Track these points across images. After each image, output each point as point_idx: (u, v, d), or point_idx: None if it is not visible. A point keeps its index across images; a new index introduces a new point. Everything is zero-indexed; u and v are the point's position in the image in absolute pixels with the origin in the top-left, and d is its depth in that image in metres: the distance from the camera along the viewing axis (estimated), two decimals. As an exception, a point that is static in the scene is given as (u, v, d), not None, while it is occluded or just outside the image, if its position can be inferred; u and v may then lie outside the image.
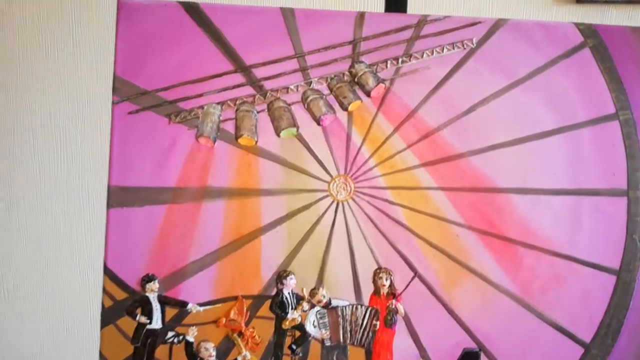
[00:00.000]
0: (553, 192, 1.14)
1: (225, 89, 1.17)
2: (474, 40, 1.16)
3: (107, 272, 1.19)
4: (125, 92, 1.18)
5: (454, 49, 1.16)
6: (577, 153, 1.15)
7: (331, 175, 1.17)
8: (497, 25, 1.16)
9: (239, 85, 1.18)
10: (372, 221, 1.16)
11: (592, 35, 1.15)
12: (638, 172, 1.14)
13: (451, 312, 1.16)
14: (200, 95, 1.18)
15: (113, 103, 1.19)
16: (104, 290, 1.19)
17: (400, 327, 1.17)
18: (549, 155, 1.15)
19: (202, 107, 1.18)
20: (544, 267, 1.14)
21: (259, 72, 1.16)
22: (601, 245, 1.14)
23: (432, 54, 1.16)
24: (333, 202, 1.17)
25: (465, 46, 1.16)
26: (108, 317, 1.20)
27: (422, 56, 1.16)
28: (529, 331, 1.14)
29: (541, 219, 1.14)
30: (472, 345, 1.15)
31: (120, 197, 1.18)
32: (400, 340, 1.17)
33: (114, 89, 1.18)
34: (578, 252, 1.13)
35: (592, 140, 1.15)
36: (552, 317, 1.14)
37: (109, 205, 1.18)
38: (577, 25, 1.16)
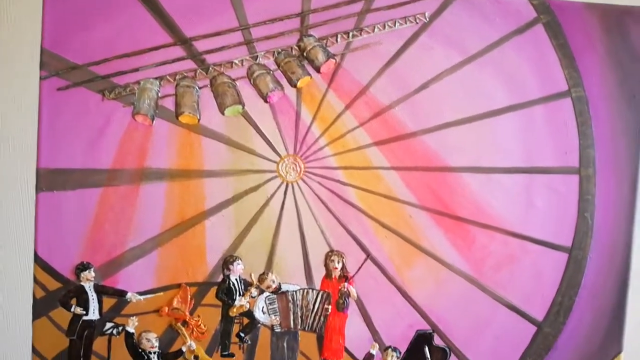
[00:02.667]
0: (505, 170, 1.11)
1: (163, 63, 1.09)
2: (427, 15, 1.10)
3: (38, 260, 1.10)
4: (53, 66, 1.08)
5: (406, 23, 1.10)
6: (530, 131, 1.12)
7: (280, 155, 1.10)
8: (450, -2, 1.10)
9: (178, 59, 1.09)
10: (323, 202, 1.10)
11: (545, 11, 1.12)
12: (589, 150, 1.12)
13: (404, 294, 1.12)
14: (137, 70, 1.09)
15: (41, 78, 1.09)
16: (35, 280, 1.11)
17: (352, 310, 1.13)
18: (502, 133, 1.12)
19: (138, 82, 1.09)
20: (496, 246, 1.11)
21: (201, 45, 1.08)
22: (553, 224, 1.12)
23: (384, 28, 1.09)
24: (282, 183, 1.10)
25: (417, 20, 1.10)
26: (40, 308, 1.11)
27: (373, 30, 1.09)
28: (483, 311, 1.12)
29: (494, 198, 1.11)
30: (425, 327, 1.13)
31: (50, 180, 1.09)
32: (353, 324, 1.13)
33: (42, 64, 1.09)
34: (530, 231, 1.11)
35: (545, 117, 1.13)
36: (505, 296, 1.11)
37: (38, 189, 1.09)
38: (530, 0, 1.11)
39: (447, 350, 1.14)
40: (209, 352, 1.13)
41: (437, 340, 1.14)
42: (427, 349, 1.14)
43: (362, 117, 1.11)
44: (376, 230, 1.13)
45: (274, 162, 1.11)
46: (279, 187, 1.12)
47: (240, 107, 1.10)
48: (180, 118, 1.10)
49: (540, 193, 1.13)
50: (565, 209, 1.13)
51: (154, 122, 1.10)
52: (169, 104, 1.10)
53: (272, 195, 1.12)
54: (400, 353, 1.14)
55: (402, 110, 1.11)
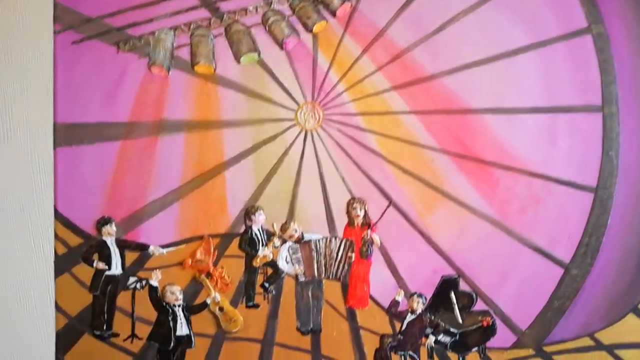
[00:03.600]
0: (527, 110, 1.09)
1: (177, 13, 1.08)
2: (442, -46, 1.07)
3: (58, 216, 1.09)
4: (67, 20, 1.07)
5: (421, -37, 1.07)
6: (551, 69, 1.10)
7: (298, 103, 1.09)
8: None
9: (192, 8, 1.08)
10: (343, 150, 1.09)
11: (562, -53, 1.08)
12: (612, 87, 1.10)
13: (428, 240, 1.10)
14: (151, 20, 1.08)
15: (55, 32, 1.07)
16: (56, 237, 1.10)
17: (376, 257, 1.12)
18: (522, 73, 1.10)
19: (153, 33, 1.08)
20: (520, 188, 1.09)
21: (214, -8, 1.06)
22: (577, 164, 1.10)
23: (399, -32, 1.07)
24: (301, 131, 1.09)
25: (433, -40, 1.07)
26: (62, 265, 1.11)
27: (388, -28, 1.07)
28: (508, 254, 1.10)
29: (516, 139, 1.09)
30: (450, 272, 1.11)
31: (67, 135, 1.08)
32: (377, 271, 1.12)
33: (55, 17, 1.08)
34: (555, 171, 1.09)
35: (565, 55, 1.11)
36: (530, 238, 1.10)
37: (56, 145, 1.09)
38: (547, -64, 1.08)
39: (474, 295, 1.12)
40: (234, 303, 1.13)
41: (463, 285, 1.13)
42: (453, 294, 1.13)
43: (380, 61, 1.10)
44: (397, 176, 1.11)
45: (292, 110, 1.10)
46: (297, 136, 1.10)
47: (256, 54, 1.08)
48: (196, 68, 1.08)
49: (563, 133, 1.10)
50: (589, 148, 1.11)
51: (170, 73, 1.09)
52: (184, 54, 1.09)
53: (292, 144, 1.10)
54: (426, 299, 1.13)
55: (420, 53, 1.10)
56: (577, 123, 1.11)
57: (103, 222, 1.09)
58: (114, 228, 1.10)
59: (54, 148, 1.08)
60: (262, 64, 1.09)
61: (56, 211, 1.09)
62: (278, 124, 1.10)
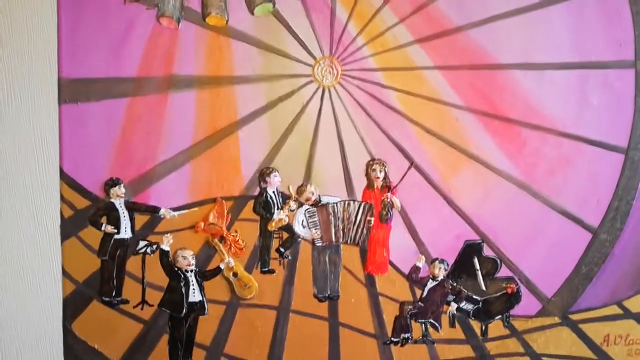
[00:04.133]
0: (558, 66, 1.06)
1: (188, -40, 1.00)
2: None
3: (64, 177, 1.06)
4: (70, -32, 0.99)
5: None
6: (582, 22, 1.07)
7: (315, 58, 1.04)
8: None
9: (204, -45, 1.00)
10: (362, 107, 1.05)
11: None
12: (647, 42, 1.02)
13: (451, 203, 1.06)
14: (160, -31, 1.00)
15: (57, -18, 1.00)
16: (62, 199, 1.06)
17: (396, 222, 1.10)
18: (553, 26, 1.07)
19: (162, -18, 1.00)
20: (549, 149, 1.06)
21: (227, -62, 0.99)
22: (608, 123, 1.08)
23: None
24: (318, 88, 1.04)
25: None
26: (69, 228, 1.08)
27: None
28: (534, 218, 1.07)
29: (545, 97, 1.06)
30: (474, 237, 1.09)
31: (73, 91, 1.05)
32: (397, 236, 1.10)
33: (57, -34, 1.00)
34: (585, 131, 1.06)
35: (598, 8, 1.08)
36: (558, 202, 1.06)
37: (61, 101, 1.04)
38: None
39: (498, 260, 1.09)
40: (249, 268, 1.09)
41: (487, 251, 1.10)
42: (476, 260, 1.10)
43: (403, 12, 1.05)
44: (420, 135, 1.07)
45: (309, 65, 1.05)
46: (315, 93, 1.06)
47: (270, 5, 1.03)
48: (207, 20, 1.04)
49: (595, 89, 1.07)
50: (621, 106, 1.08)
51: (180, 25, 1.04)
52: (195, 4, 1.06)
53: (308, 102, 1.06)
54: (448, 265, 1.09)
55: (445, 3, 1.07)
56: (609, 79, 1.07)
57: (111, 183, 1.06)
58: (123, 190, 1.06)
59: (59, 105, 1.02)
60: (277, 15, 1.04)
61: (62, 172, 1.05)
62: (294, 80, 1.05)
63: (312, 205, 1.10)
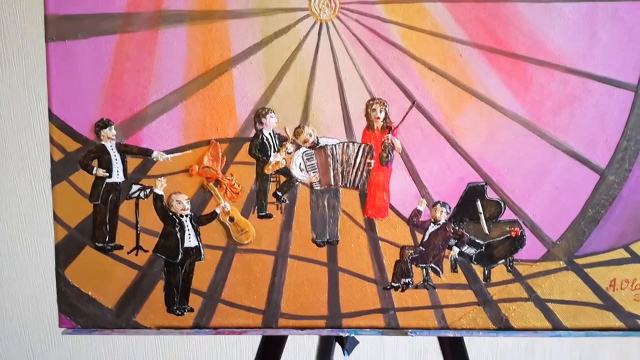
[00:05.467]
0: None
1: None
2: None
3: (53, 119, 1.02)
4: None
5: None
6: None
7: (311, -10, 0.98)
8: None
9: None
10: (361, 43, 1.00)
11: None
12: (661, -28, 0.97)
13: (454, 144, 1.02)
14: None
15: None
16: (52, 141, 1.02)
17: (397, 164, 1.06)
18: None
19: None
20: (556, 86, 1.01)
21: None
22: (618, 58, 1.03)
23: None
24: (315, 22, 1.00)
25: None
26: (59, 172, 1.04)
27: None
28: (541, 160, 1.04)
29: (553, 31, 1.01)
30: (477, 179, 1.03)
31: (60, 28, 1.00)
32: (398, 178, 1.06)
33: None
34: (593, 67, 1.01)
35: None
36: (565, 141, 1.02)
37: (48, 39, 0.99)
38: None
39: (502, 203, 1.05)
40: (245, 213, 1.06)
41: (491, 194, 1.06)
42: (479, 203, 1.06)
43: (404, -59, 0.98)
44: (422, 73, 1.02)
45: (306, -2, 0.99)
46: (312, 28, 1.01)
47: None
48: (198, -49, 0.97)
49: (604, 23, 1.03)
50: (632, 40, 1.04)
51: (170, -44, 0.97)
52: None
53: (305, 37, 1.01)
54: (450, 208, 1.06)
55: None
56: (619, 12, 1.03)
57: (102, 124, 1.02)
58: (114, 131, 1.02)
59: (47, 43, 0.98)
60: (271, -55, 0.98)
61: (51, 113, 1.00)
62: (290, 15, 1.00)
63: (310, 147, 1.07)
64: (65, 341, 2.23)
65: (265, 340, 1.24)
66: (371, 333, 1.11)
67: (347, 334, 1.13)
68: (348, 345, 1.44)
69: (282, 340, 1.24)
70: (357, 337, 1.49)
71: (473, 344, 2.62)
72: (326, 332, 1.12)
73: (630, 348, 2.65)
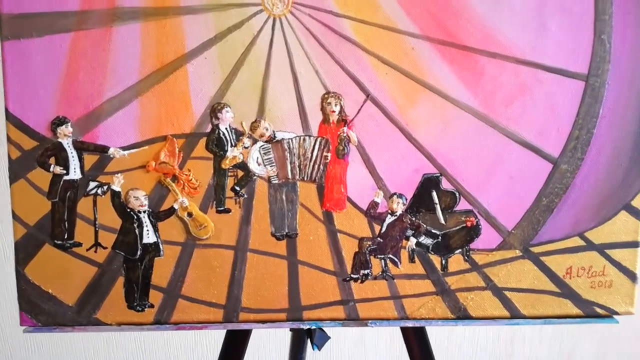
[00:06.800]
0: None
1: None
2: None
3: (10, 118, 1.03)
4: None
5: None
6: None
7: (264, -14, 0.99)
8: None
9: None
10: (315, 38, 1.01)
11: None
12: (606, -36, 0.99)
13: (408, 136, 1.04)
14: None
15: None
16: (9, 140, 1.02)
17: (353, 157, 1.07)
18: None
19: None
20: (507, 77, 1.03)
21: None
22: (568, 49, 1.05)
23: None
24: (269, 17, 1.01)
25: None
26: (17, 170, 1.06)
27: None
28: (494, 150, 1.06)
29: (503, 23, 1.04)
30: (432, 170, 1.05)
31: (15, 26, 1.02)
32: (355, 171, 1.07)
33: None
34: (543, 58, 1.04)
35: None
36: (517, 132, 1.04)
37: (3, 38, 1.01)
38: None
39: (457, 194, 1.07)
40: (203, 208, 1.07)
41: (446, 184, 1.07)
42: (434, 193, 1.07)
43: (353, -63, 1.00)
44: (375, 66, 1.04)
45: (259, -7, 1.01)
46: (265, 22, 1.02)
47: None
48: (150, -52, 0.98)
49: (553, 15, 1.05)
50: (580, 31, 1.05)
51: (122, -46, 0.98)
52: None
53: (259, 32, 1.02)
54: (406, 200, 1.07)
55: None
56: (567, 3, 1.05)
57: (58, 122, 1.03)
58: (70, 129, 1.03)
59: (2, 42, 0.99)
60: (223, -57, 0.99)
61: (7, 112, 1.01)
62: (243, 10, 1.02)
63: (266, 141, 1.08)
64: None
65: (229, 335, 1.25)
66: (332, 325, 1.13)
67: (309, 327, 1.14)
68: (317, 340, 1.45)
69: (246, 334, 1.25)
70: (326, 331, 1.50)
71: (453, 340, 2.64)
72: (287, 325, 1.13)
73: (610, 339, 2.69)
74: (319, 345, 1.50)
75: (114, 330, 1.12)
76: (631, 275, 1.14)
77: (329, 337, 1.55)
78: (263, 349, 2.59)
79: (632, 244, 1.13)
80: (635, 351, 2.82)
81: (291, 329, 1.61)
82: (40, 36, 1.03)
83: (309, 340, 1.54)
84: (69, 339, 2.54)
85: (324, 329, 1.51)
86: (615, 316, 1.16)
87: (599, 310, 1.15)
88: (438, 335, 2.70)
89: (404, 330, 1.26)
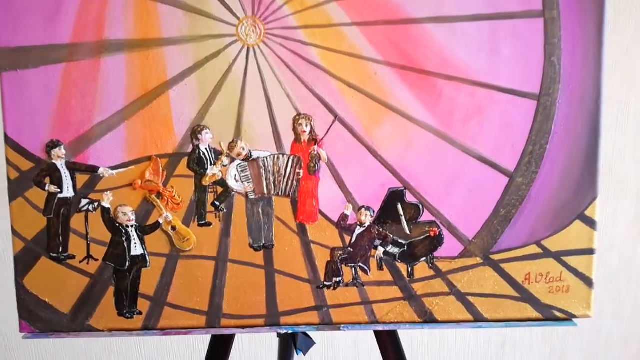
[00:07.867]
0: (469, 18, 1.10)
1: None
2: None
3: (9, 142, 1.12)
4: (2, -58, 1.05)
5: None
6: None
7: (238, 18, 1.10)
8: None
9: None
10: (286, 65, 1.10)
11: None
12: (554, -8, 1.08)
13: (374, 154, 1.12)
14: (87, -61, 1.06)
15: (-10, -44, 1.06)
16: (8, 162, 1.11)
17: (324, 173, 1.16)
18: None
19: (89, -49, 1.06)
20: (463, 98, 1.11)
21: None
22: (520, 71, 1.14)
23: None
24: (243, 47, 1.10)
25: None
26: (15, 189, 1.15)
27: None
28: (453, 165, 1.14)
29: (458, 48, 1.12)
30: (397, 184, 1.13)
31: (12, 58, 1.11)
32: (325, 186, 1.16)
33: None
34: (497, 80, 1.12)
35: None
36: (475, 148, 1.12)
37: (1, 69, 1.10)
38: None
39: (420, 206, 1.15)
40: (186, 222, 1.16)
41: (410, 197, 1.15)
42: (400, 206, 1.15)
43: (319, -27, 1.09)
44: (342, 90, 1.13)
45: (233, 25, 1.12)
46: (240, 52, 1.12)
47: (194, -29, 1.08)
48: (134, -14, 1.08)
49: (505, 40, 1.14)
50: (531, 54, 1.14)
51: (109, -8, 1.08)
52: None
53: (234, 61, 1.12)
54: (374, 212, 1.16)
55: None
56: (518, 29, 1.13)
57: (52, 145, 1.12)
58: (64, 151, 1.13)
59: (0, 73, 1.08)
60: (200, -20, 1.09)
61: (6, 136, 1.11)
62: (219, 40, 1.11)
63: (243, 160, 1.18)
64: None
65: (214, 340, 1.34)
66: (307, 329, 1.21)
67: (286, 331, 1.23)
68: (300, 344, 1.54)
69: (229, 338, 1.34)
70: (319, 337, 1.58)
71: (444, 345, 2.71)
72: (266, 330, 1.22)
73: (598, 344, 2.75)
74: (303, 350, 1.58)
75: (105, 336, 1.21)
76: (587, 281, 1.21)
77: (314, 343, 1.63)
78: (260, 355, 2.68)
79: (588, 251, 1.21)
80: (624, 355, 2.87)
81: (278, 335, 1.69)
82: (35, 67, 1.14)
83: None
84: (71, 347, 2.64)
85: (309, 334, 1.59)
86: (574, 319, 1.23)
87: (557, 313, 1.23)
88: (430, 340, 2.77)
89: (378, 333, 1.34)
